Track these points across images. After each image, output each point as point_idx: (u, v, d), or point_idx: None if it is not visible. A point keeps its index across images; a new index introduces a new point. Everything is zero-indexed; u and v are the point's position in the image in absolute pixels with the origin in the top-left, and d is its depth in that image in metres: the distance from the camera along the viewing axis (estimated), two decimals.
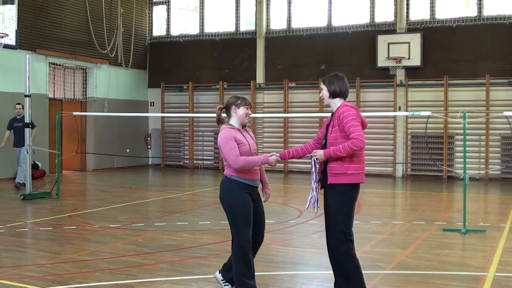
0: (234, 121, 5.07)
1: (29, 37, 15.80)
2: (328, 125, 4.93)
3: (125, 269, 6.16)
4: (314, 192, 4.89)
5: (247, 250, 4.90)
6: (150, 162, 20.54)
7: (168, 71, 20.18)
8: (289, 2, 18.60)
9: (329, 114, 5.08)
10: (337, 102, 4.95)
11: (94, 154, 17.99)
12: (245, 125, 5.17)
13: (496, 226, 8.90)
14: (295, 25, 18.59)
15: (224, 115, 5.15)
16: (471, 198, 11.58)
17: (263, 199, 5.23)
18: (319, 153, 4.80)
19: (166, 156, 20.34)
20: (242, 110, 5.03)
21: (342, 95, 4.96)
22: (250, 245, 4.94)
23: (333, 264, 4.88)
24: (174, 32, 20.43)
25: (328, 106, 5.08)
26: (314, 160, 4.86)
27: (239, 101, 5.04)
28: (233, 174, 4.97)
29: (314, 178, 4.88)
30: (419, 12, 17.11)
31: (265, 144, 18.28)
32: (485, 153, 16.12)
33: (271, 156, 4.95)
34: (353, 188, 4.82)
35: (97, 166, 18.47)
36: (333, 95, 4.94)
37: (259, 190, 5.19)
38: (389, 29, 17.30)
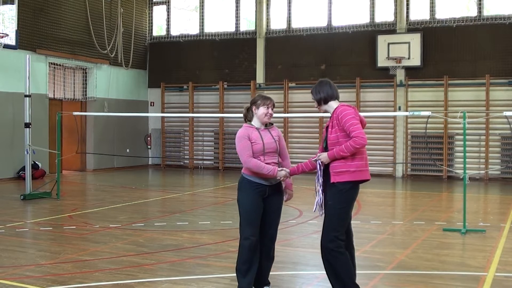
0: (255, 120, 5.18)
1: (29, 37, 15.80)
2: (328, 127, 4.97)
3: (125, 269, 6.16)
4: (321, 195, 4.98)
5: (245, 248, 5.01)
6: (150, 162, 20.54)
7: (168, 71, 20.18)
8: (289, 2, 18.60)
9: (329, 114, 5.09)
10: (333, 105, 5.00)
11: (94, 154, 17.99)
12: (270, 124, 5.25)
13: (496, 226, 8.89)
14: (295, 25, 18.59)
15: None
16: (471, 198, 11.58)
17: (284, 198, 5.28)
18: (323, 156, 4.88)
19: (166, 156, 20.34)
20: (261, 110, 5.11)
21: (333, 97, 5.00)
22: (250, 243, 5.00)
23: (324, 261, 4.94)
24: (174, 32, 20.42)
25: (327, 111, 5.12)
26: (319, 164, 4.93)
27: (259, 101, 5.12)
28: (245, 172, 5.11)
29: (320, 181, 4.95)
30: (419, 12, 17.11)
31: None
32: (485, 153, 16.12)
33: (280, 170, 5.02)
34: (353, 187, 4.86)
35: (97, 166, 18.47)
36: (323, 101, 5.01)
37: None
38: (389, 29, 17.30)
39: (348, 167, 4.79)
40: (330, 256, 4.86)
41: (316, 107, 5.15)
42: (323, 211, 4.98)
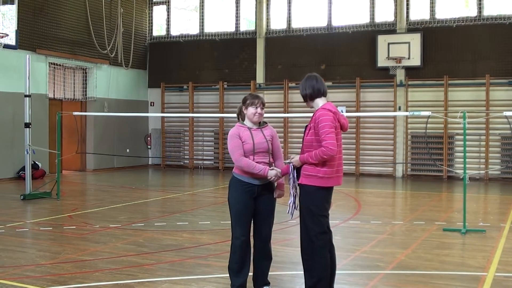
0: (247, 120, 5.18)
1: (29, 37, 15.80)
2: (306, 127, 4.96)
3: (125, 269, 6.16)
4: (292, 197, 4.98)
5: (236, 248, 5.08)
6: (150, 162, 20.54)
7: (168, 71, 20.18)
8: (289, 2, 18.60)
9: None
10: (319, 103, 4.94)
11: (94, 154, 17.99)
12: (264, 123, 5.24)
13: (496, 226, 8.89)
14: (295, 25, 18.59)
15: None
16: (471, 198, 11.58)
17: (275, 195, 5.24)
18: (295, 160, 4.91)
19: (166, 156, 20.34)
20: (250, 111, 5.12)
21: (320, 93, 4.94)
22: (240, 243, 5.06)
23: (302, 260, 4.93)
24: (174, 32, 20.42)
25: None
26: (291, 167, 4.94)
27: (248, 102, 5.13)
28: (235, 172, 5.13)
29: (292, 183, 4.96)
30: (419, 12, 17.11)
31: None
32: (485, 153, 16.12)
33: (271, 169, 5.01)
34: (320, 190, 4.84)
35: (97, 166, 18.47)
36: (309, 97, 4.96)
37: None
38: (389, 29, 17.30)
39: (317, 172, 4.79)
40: (307, 255, 4.86)
41: (304, 103, 5.12)
42: (294, 212, 4.98)
